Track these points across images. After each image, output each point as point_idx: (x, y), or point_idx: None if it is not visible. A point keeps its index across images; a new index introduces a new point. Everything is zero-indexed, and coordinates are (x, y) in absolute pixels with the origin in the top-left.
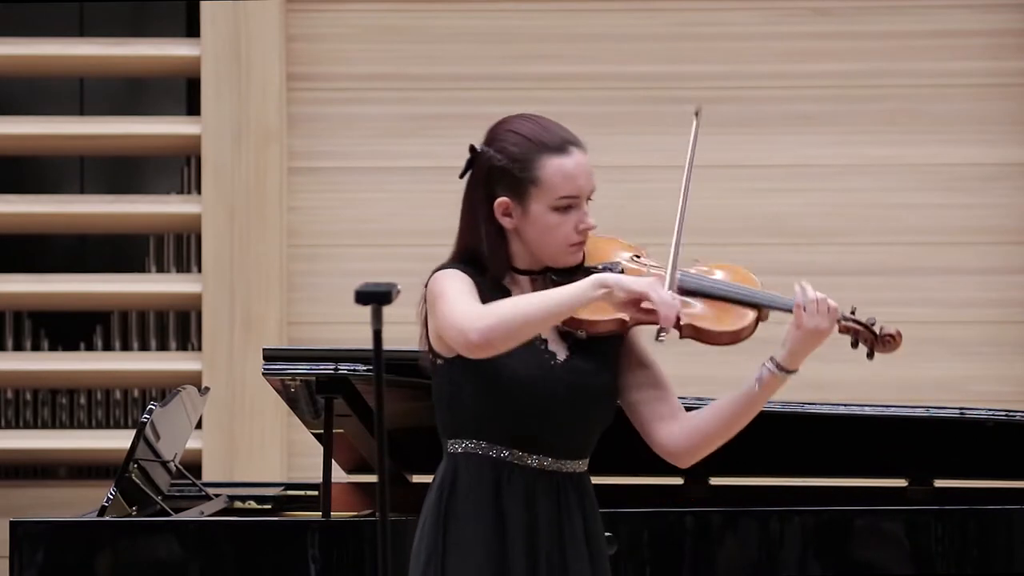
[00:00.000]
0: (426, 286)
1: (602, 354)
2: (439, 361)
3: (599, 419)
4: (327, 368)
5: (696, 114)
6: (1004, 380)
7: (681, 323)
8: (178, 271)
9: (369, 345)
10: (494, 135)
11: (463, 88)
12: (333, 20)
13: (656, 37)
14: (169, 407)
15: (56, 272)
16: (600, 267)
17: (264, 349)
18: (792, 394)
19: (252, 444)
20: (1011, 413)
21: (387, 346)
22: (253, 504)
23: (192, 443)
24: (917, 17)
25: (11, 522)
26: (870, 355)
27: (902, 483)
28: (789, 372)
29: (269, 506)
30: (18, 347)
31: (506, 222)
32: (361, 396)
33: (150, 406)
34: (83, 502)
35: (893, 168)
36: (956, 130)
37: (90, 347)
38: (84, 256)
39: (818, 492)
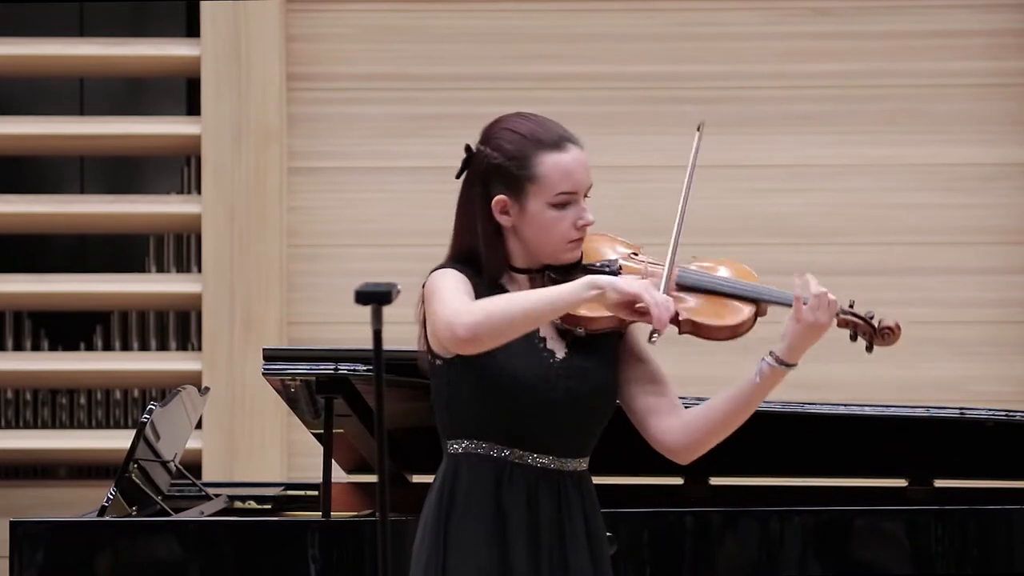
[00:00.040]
0: (424, 286)
1: (601, 351)
2: (438, 362)
3: (599, 417)
4: (327, 368)
5: (699, 128)
6: (1004, 380)
7: (680, 319)
8: (178, 271)
9: (369, 345)
10: (490, 134)
11: (463, 88)
12: (333, 20)
13: (656, 37)
14: (169, 407)
15: (56, 272)
16: (598, 264)
17: (264, 349)
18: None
19: (252, 444)
20: (1011, 413)
21: (387, 346)
22: (253, 504)
23: (192, 443)
24: (917, 17)
25: (11, 522)
26: (869, 348)
27: (902, 483)
28: (789, 366)
29: (269, 506)
30: (18, 347)
31: (504, 220)
32: (361, 396)
33: (150, 406)
34: (83, 502)
35: (893, 168)
36: (956, 130)
37: (90, 347)
38: (84, 256)
39: (818, 492)
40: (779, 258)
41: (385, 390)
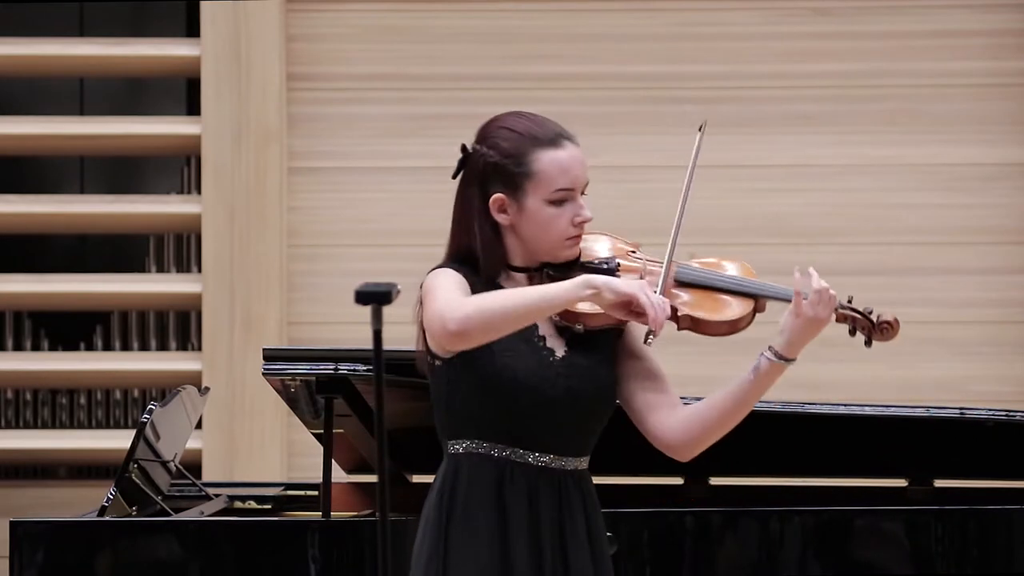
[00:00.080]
0: (421, 287)
1: (600, 348)
2: (437, 362)
3: (599, 415)
4: (327, 368)
5: (700, 128)
6: (1004, 380)
7: (678, 314)
8: (178, 271)
9: (369, 345)
10: (486, 133)
11: (463, 88)
12: (333, 20)
13: (656, 37)
14: (169, 407)
15: (56, 272)
16: (596, 262)
17: (264, 349)
18: (792, 394)
19: (252, 444)
20: (1011, 413)
21: (387, 346)
22: (253, 504)
23: (192, 443)
24: (917, 17)
25: (11, 522)
26: (868, 343)
27: (902, 483)
28: (788, 361)
29: (269, 506)
30: (18, 347)
31: (502, 219)
32: (361, 396)
33: (150, 406)
34: (83, 502)
35: (893, 168)
36: (956, 130)
37: (90, 347)
38: (84, 256)
39: (818, 492)
40: (779, 258)
41: (385, 390)
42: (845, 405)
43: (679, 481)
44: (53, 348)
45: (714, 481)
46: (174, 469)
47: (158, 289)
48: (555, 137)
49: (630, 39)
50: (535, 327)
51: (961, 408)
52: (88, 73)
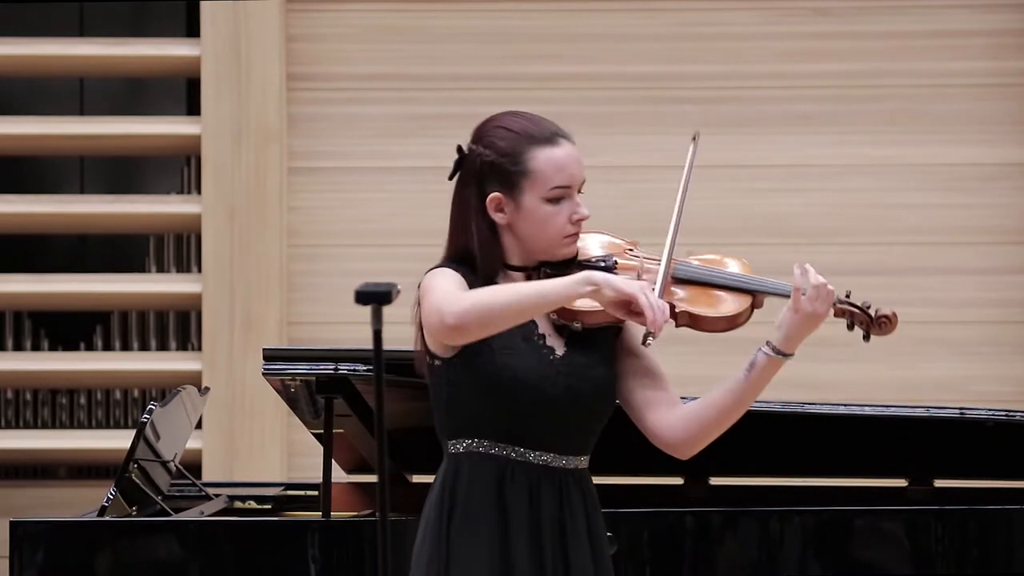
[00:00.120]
0: (419, 287)
1: (599, 346)
2: (436, 362)
3: (599, 413)
4: (327, 368)
5: (694, 138)
6: (1004, 380)
7: (676, 311)
8: (178, 271)
9: (369, 345)
10: (482, 133)
11: (463, 88)
12: (333, 20)
13: (656, 37)
14: (169, 407)
15: (56, 272)
16: (593, 260)
17: (264, 349)
18: (792, 394)
19: (252, 444)
20: (1011, 413)
21: (387, 346)
22: (253, 504)
23: (192, 443)
24: (917, 17)
25: (11, 522)
26: (866, 337)
27: (902, 483)
28: (786, 356)
29: (269, 506)
30: (18, 347)
31: (499, 218)
32: (361, 396)
33: (150, 406)
34: (83, 502)
35: (893, 168)
36: (956, 130)
37: (90, 347)
38: (84, 256)
39: (818, 492)
40: (779, 258)
41: (385, 390)
42: (845, 405)
43: (679, 481)
44: (53, 348)
45: (714, 481)
46: (174, 469)
47: (158, 289)
48: (551, 135)
49: (630, 39)
50: (535, 325)
51: (961, 408)
52: (88, 73)
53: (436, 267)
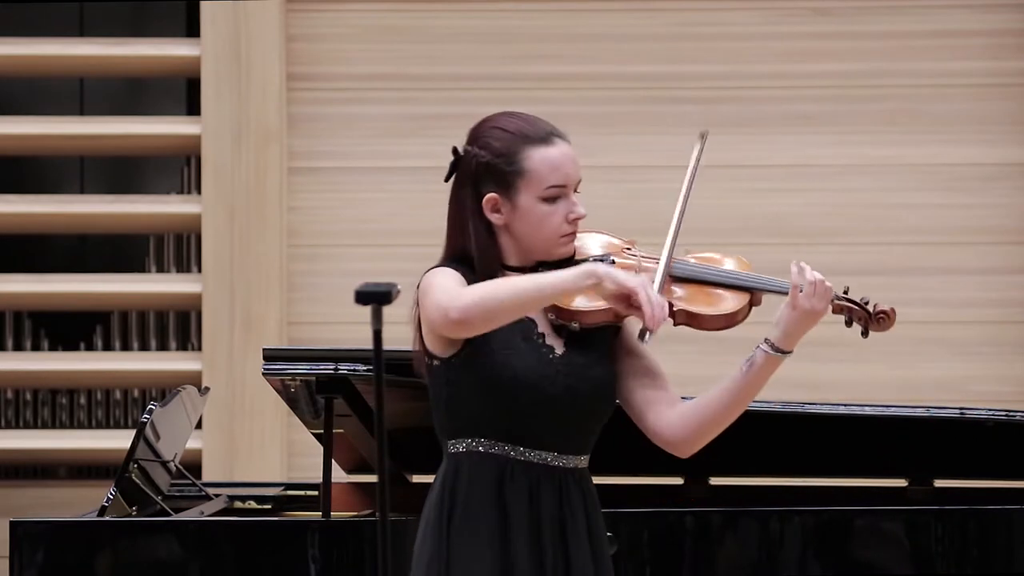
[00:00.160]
0: (418, 287)
1: (598, 346)
2: (435, 362)
3: (599, 412)
4: (327, 368)
5: (702, 136)
6: (1004, 380)
7: (674, 309)
8: (178, 271)
9: (369, 345)
10: (477, 134)
11: (463, 88)
12: (333, 20)
13: (656, 37)
14: (169, 407)
15: (56, 272)
16: (591, 259)
17: (264, 349)
18: (792, 394)
19: (252, 444)
20: (1011, 413)
21: (387, 346)
22: (253, 504)
23: (192, 443)
24: (917, 17)
25: (11, 522)
26: (864, 333)
27: (902, 483)
28: (784, 353)
29: (269, 506)
30: (18, 347)
31: (495, 218)
32: (361, 396)
33: (150, 406)
34: (83, 502)
35: (893, 168)
36: (956, 130)
37: (90, 347)
38: (84, 256)
39: (818, 492)
40: (779, 258)
41: (385, 390)
42: (845, 405)
43: (679, 481)
44: (53, 348)
45: (714, 481)
46: (174, 469)
47: (158, 289)
48: (546, 135)
49: (630, 39)
50: (534, 325)
51: (961, 408)
52: (88, 73)
53: (435, 267)
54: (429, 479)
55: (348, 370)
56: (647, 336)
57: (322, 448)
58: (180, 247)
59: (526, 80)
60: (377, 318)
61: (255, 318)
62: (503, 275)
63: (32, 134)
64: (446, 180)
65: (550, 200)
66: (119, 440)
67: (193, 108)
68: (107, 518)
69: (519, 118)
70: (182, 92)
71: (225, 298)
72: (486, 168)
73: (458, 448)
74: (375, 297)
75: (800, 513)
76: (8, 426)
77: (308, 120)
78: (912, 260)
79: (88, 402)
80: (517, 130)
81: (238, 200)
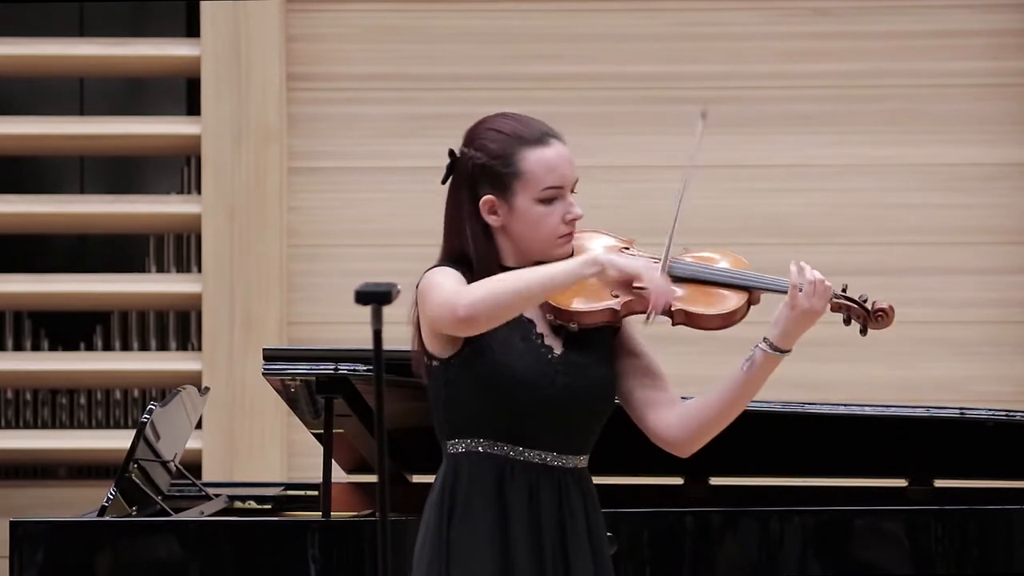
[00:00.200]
0: (417, 287)
1: (597, 346)
2: (434, 363)
3: (598, 412)
4: (327, 368)
5: (703, 115)
6: (1004, 380)
7: (672, 309)
8: (178, 271)
9: (369, 345)
10: (473, 135)
11: (463, 88)
12: (333, 20)
13: (656, 37)
14: (169, 407)
15: (56, 272)
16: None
17: (264, 349)
18: (792, 394)
19: (252, 444)
20: (1011, 413)
21: (387, 346)
22: (253, 504)
23: (192, 443)
24: (917, 17)
25: (11, 522)
26: (863, 331)
27: (902, 483)
28: (783, 352)
29: (269, 506)
30: (18, 347)
31: (492, 220)
32: (361, 396)
33: (150, 406)
34: (83, 502)
35: (893, 168)
36: (956, 130)
37: (90, 347)
38: (84, 256)
39: (818, 492)
40: (779, 258)
41: (385, 390)
42: (845, 405)
43: (679, 481)
44: (53, 348)
45: (714, 481)
46: (174, 469)
47: (158, 289)
48: (541, 136)
49: (630, 39)
50: (533, 325)
51: (961, 408)
52: (88, 73)
53: (434, 267)
54: (429, 479)
55: (348, 370)
56: (651, 318)
57: (322, 448)
58: (180, 247)
59: (526, 80)
60: (377, 318)
61: (255, 318)
62: None
63: (32, 134)
64: (443, 182)
65: (547, 201)
66: (119, 440)
67: (193, 108)
68: (107, 518)
69: (514, 119)
70: (182, 92)
71: (225, 298)
72: (482, 170)
73: (458, 448)
74: (375, 297)
75: (800, 513)
76: (8, 426)
77: (308, 120)
78: (912, 260)
79: (88, 402)
80: (512, 131)
81: (238, 200)
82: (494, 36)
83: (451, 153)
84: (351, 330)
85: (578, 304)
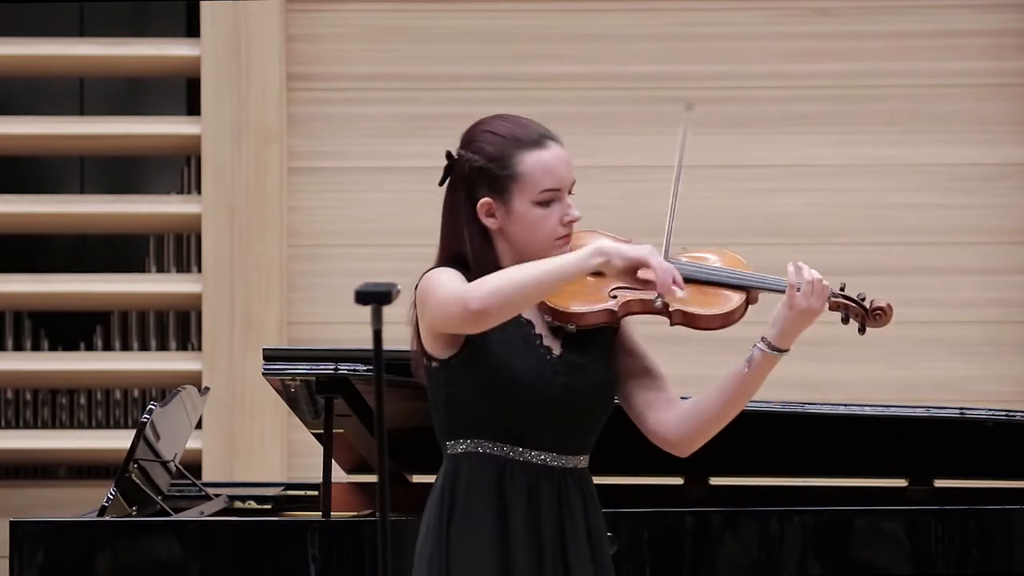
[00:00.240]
0: (416, 288)
1: (596, 346)
2: (434, 364)
3: (597, 413)
4: (327, 368)
5: (688, 107)
6: (1004, 380)
7: (671, 309)
8: (178, 271)
9: (369, 345)
10: (470, 138)
11: (463, 88)
12: (333, 20)
13: (656, 37)
14: (169, 407)
15: (56, 272)
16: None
17: (264, 349)
18: (792, 394)
19: (252, 444)
20: (1011, 413)
21: (387, 346)
22: (253, 504)
23: (192, 443)
24: (917, 17)
25: (11, 522)
26: (862, 330)
27: (902, 483)
28: (781, 352)
29: (269, 506)
30: (18, 347)
31: (490, 223)
32: (361, 396)
33: (150, 406)
34: (83, 502)
35: (893, 168)
36: (956, 130)
37: (90, 347)
38: (84, 256)
39: (818, 492)
40: (779, 258)
41: (385, 390)
42: (845, 405)
43: (679, 481)
44: (53, 348)
45: (714, 481)
46: (174, 469)
47: (158, 289)
48: (539, 138)
49: (630, 39)
50: (532, 326)
51: (961, 408)
52: (88, 73)
53: (432, 268)
54: (429, 479)
55: (348, 370)
56: (659, 302)
57: (322, 448)
58: (180, 247)
59: (526, 80)
60: (377, 318)
61: (255, 318)
62: None
63: (32, 134)
64: (440, 184)
65: (544, 204)
66: (119, 440)
67: (193, 108)
68: (107, 518)
69: (511, 121)
70: (182, 92)
71: (225, 298)
72: (479, 173)
73: (457, 449)
74: (375, 297)
75: (800, 513)
76: (8, 426)
77: (308, 120)
78: (912, 260)
79: (88, 402)
80: (509, 134)
81: (238, 200)
82: (494, 36)
83: (448, 155)
84: (351, 330)
85: (576, 305)
